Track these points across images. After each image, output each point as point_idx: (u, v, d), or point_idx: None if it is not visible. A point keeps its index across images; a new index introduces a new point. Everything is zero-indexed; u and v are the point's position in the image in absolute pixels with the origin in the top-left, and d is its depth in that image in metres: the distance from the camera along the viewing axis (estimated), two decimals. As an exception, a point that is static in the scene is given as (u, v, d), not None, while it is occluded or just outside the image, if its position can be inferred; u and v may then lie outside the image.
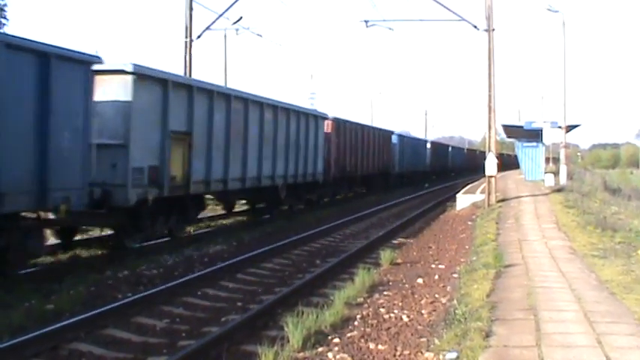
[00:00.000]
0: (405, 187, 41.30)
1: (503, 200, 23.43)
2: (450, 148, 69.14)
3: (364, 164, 31.69)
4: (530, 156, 38.54)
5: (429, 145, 54.68)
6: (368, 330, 7.61)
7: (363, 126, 32.39)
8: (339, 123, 27.57)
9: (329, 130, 25.86)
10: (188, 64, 22.77)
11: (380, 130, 36.97)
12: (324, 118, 25.13)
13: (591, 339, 6.12)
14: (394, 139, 40.10)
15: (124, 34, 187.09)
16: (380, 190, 35.28)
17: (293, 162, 21.03)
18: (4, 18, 30.25)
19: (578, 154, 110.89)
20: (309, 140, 22.61)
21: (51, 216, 10.88)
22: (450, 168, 66.50)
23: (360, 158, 30.79)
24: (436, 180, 53.75)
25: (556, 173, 32.69)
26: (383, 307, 8.72)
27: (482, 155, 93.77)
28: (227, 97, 16.22)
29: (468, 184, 36.96)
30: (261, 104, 18.29)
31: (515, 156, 52.28)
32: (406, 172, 44.25)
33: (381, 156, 35.62)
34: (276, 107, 19.47)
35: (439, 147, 62.10)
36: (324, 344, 7.02)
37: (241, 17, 27.67)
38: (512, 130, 39.45)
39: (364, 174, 31.96)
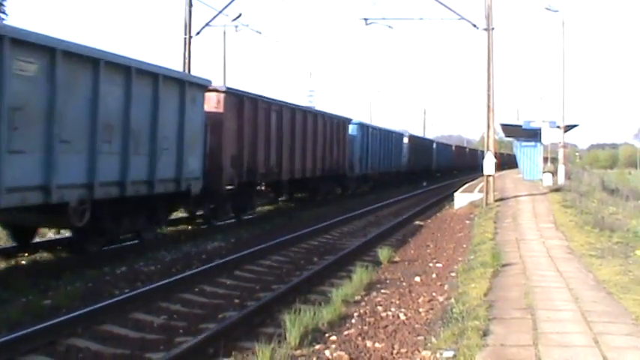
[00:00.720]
0: (369, 194, 32.51)
1: (501, 199, 23.45)
2: (434, 145, 59.29)
3: (298, 163, 22.48)
4: (528, 155, 38.55)
5: (406, 140, 44.67)
6: (365, 328, 7.62)
7: (293, 108, 22.49)
8: (239, 99, 17.73)
9: (218, 109, 16.60)
10: (187, 61, 22.72)
11: (328, 115, 26.79)
12: (203, 86, 15.11)
13: (588, 339, 6.13)
14: (353, 129, 30.69)
15: (124, 30, 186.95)
16: (331, 200, 27.56)
17: (115, 160, 11.73)
18: (4, 13, 30.20)
19: (577, 154, 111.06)
20: (160, 121, 12.94)
21: None
22: (434, 168, 57.18)
23: (288, 154, 21.43)
24: (416, 182, 44.99)
25: (554, 173, 32.72)
26: (380, 305, 8.73)
27: (474, 153, 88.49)
28: None
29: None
30: None
31: (514, 155, 52.06)
32: (371, 174, 34.75)
33: (331, 152, 26.57)
34: (52, 51, 9.96)
35: (420, 142, 52.79)
36: (322, 342, 7.03)
37: (240, 14, 27.71)
38: (510, 130, 39.45)
39: (299, 177, 22.69)
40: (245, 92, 18.46)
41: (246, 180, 18.18)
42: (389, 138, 39.09)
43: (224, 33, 35.32)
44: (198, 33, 22.98)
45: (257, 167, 18.92)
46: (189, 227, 17.49)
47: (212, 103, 16.49)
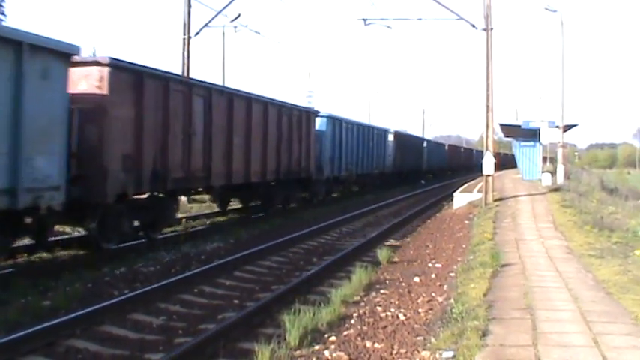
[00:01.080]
0: (335, 203, 26.58)
1: (500, 199, 23.46)
2: (424, 143, 53.97)
3: (238, 165, 17.44)
4: (527, 155, 38.56)
5: (391, 137, 39.77)
6: (365, 328, 7.62)
7: (230, 92, 17.42)
8: (137, 77, 12.89)
9: (100, 90, 11.92)
10: (186, 62, 22.73)
11: (285, 106, 21.65)
12: (64, 54, 10.57)
13: (588, 338, 6.13)
14: (321, 124, 25.95)
15: (122, 31, 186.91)
16: (287, 210, 22.04)
17: None
18: (2, 14, 30.21)
19: (576, 153, 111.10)
20: None
21: None
22: (424, 169, 52.24)
23: (222, 154, 16.48)
24: (404, 185, 40.40)
25: (553, 173, 32.75)
26: (380, 306, 8.73)
27: (470, 153, 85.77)
28: None
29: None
30: None
31: (513, 155, 51.86)
32: (346, 177, 29.76)
33: (289, 151, 21.38)
34: None
35: (409, 140, 46.93)
36: (321, 342, 7.03)
37: (239, 15, 27.73)
38: (509, 130, 39.46)
39: (240, 183, 17.89)
40: (147, 68, 13.49)
41: (150, 187, 13.53)
42: (370, 135, 34.06)
43: (223, 33, 35.36)
44: (197, 34, 23.03)
45: (169, 170, 13.91)
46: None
47: (92, 81, 11.90)
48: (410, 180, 44.13)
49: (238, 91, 18.24)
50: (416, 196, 33.01)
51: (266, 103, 19.72)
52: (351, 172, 30.09)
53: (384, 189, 35.57)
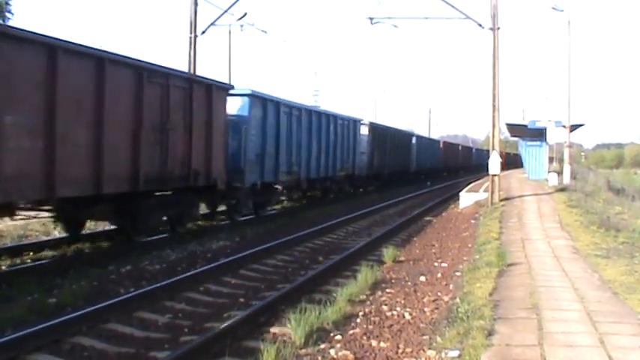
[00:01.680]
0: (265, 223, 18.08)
1: (506, 199, 23.40)
2: (413, 139, 45.02)
3: (25, 165, 9.77)
4: (533, 155, 38.44)
5: (365, 130, 31.61)
6: (370, 327, 7.61)
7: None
8: None
9: None
10: (192, 60, 22.74)
11: (148, 69, 12.88)
12: None
13: (594, 339, 6.12)
14: (242, 106, 17.78)
15: (129, 29, 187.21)
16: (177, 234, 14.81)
17: None
18: (9, 12, 30.33)
19: (582, 153, 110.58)
20: None
21: None
22: (413, 170, 44.53)
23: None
24: (384, 191, 32.64)
25: (560, 172, 32.68)
26: (385, 305, 8.72)
27: (469, 152, 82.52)
28: None
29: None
30: None
31: (519, 155, 51.52)
32: (290, 182, 21.48)
33: (163, 144, 13.57)
34: None
35: (391, 135, 37.72)
36: (327, 341, 7.03)
37: (246, 13, 27.77)
38: (516, 129, 39.37)
39: (32, 198, 10.47)
40: None
41: None
42: (330, 125, 25.18)
43: (229, 32, 35.37)
44: (203, 32, 23.00)
45: None
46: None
47: None
48: (394, 184, 36.67)
49: (15, 29, 10.16)
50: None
51: (102, 60, 11.47)
52: (296, 176, 21.60)
53: (354, 197, 29.17)
